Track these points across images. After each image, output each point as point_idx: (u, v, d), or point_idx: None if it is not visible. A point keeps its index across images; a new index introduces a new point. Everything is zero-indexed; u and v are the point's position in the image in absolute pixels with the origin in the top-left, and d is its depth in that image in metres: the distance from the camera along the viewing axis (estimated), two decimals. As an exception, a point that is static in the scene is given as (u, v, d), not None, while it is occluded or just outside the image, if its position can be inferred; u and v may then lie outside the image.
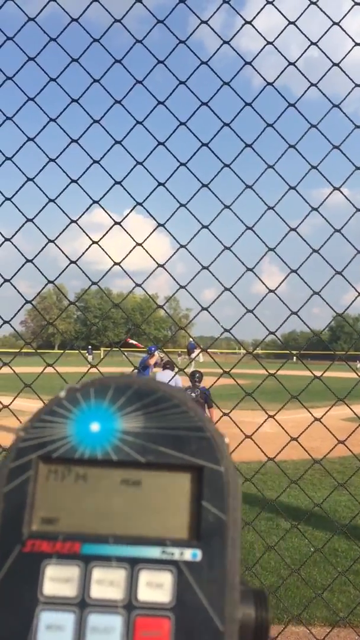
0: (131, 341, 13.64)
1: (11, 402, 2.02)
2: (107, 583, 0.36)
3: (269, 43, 1.76)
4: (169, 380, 5.81)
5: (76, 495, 0.39)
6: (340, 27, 1.80)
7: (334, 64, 1.80)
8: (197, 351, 13.71)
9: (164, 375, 11.14)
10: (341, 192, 1.89)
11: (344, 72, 1.80)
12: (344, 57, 1.82)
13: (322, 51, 1.78)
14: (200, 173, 1.94)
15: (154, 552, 0.37)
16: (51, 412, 0.41)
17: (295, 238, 2.18)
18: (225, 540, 0.38)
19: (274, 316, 2.07)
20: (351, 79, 1.81)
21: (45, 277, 1.82)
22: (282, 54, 1.79)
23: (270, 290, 1.85)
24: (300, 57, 1.80)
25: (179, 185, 2.10)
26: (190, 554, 0.37)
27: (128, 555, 0.37)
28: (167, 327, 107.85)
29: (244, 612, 0.39)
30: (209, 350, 2.67)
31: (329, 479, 7.46)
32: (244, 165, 2.18)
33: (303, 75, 1.78)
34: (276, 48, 1.77)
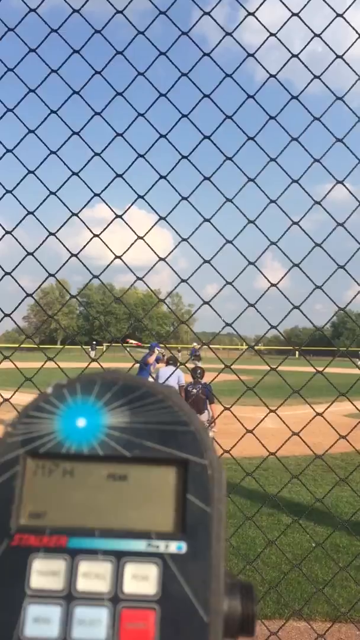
0: (131, 341, 13.66)
1: (12, 396, 2.02)
2: (93, 576, 0.37)
3: (271, 35, 1.75)
4: (170, 376, 5.85)
5: (63, 489, 0.40)
6: (344, 19, 1.78)
7: (338, 56, 1.79)
8: (199, 354, 13.70)
9: (166, 371, 11.17)
10: (344, 185, 1.88)
11: (347, 64, 1.79)
12: (347, 49, 1.81)
13: (325, 42, 1.76)
14: (203, 167, 1.93)
15: (140, 545, 0.38)
16: (38, 407, 0.42)
17: (297, 235, 2.17)
18: (210, 532, 0.38)
19: (276, 312, 2.07)
20: (355, 71, 1.79)
21: (46, 270, 1.81)
22: (284, 46, 1.77)
23: (272, 284, 1.84)
24: (304, 49, 1.78)
25: (181, 180, 2.09)
26: (175, 547, 0.38)
27: (114, 548, 0.38)
28: (169, 323, 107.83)
29: (230, 605, 0.39)
30: (210, 345, 2.66)
31: (331, 474, 7.46)
32: (246, 160, 2.16)
33: (306, 67, 1.76)
34: (279, 39, 1.76)
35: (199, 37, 1.87)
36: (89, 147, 1.80)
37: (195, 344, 13.48)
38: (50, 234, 1.81)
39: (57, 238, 1.84)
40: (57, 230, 1.84)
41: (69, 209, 1.83)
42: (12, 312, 1.83)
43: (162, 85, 1.92)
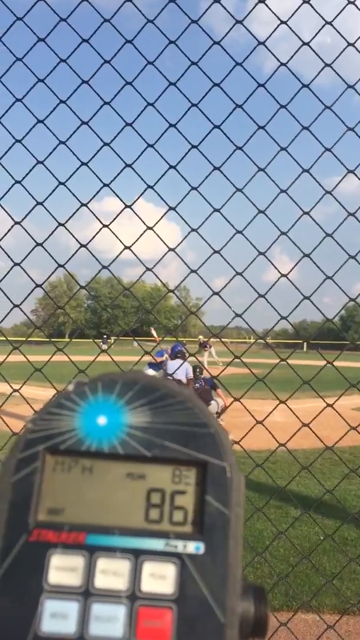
0: (153, 332, 13.72)
1: (21, 387, 2.02)
2: (111, 573, 0.37)
3: (282, 22, 1.72)
4: (178, 368, 5.87)
5: (82, 487, 0.40)
6: (355, 5, 1.75)
7: (349, 44, 1.76)
8: (209, 348, 13.71)
9: (174, 364, 11.24)
10: (355, 175, 1.86)
11: (358, 50, 1.76)
12: (358, 38, 1.78)
13: (336, 30, 1.73)
14: (213, 158, 1.91)
15: (158, 544, 0.38)
16: (59, 405, 0.42)
17: (307, 228, 2.15)
18: (228, 534, 0.39)
19: (285, 306, 2.06)
20: (347, 40, 1.76)
21: (55, 261, 1.81)
22: (295, 33, 1.75)
23: (282, 275, 1.83)
24: (314, 38, 1.76)
25: (191, 172, 2.07)
26: (193, 547, 0.38)
27: (132, 546, 0.38)
28: (177, 316, 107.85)
29: (243, 607, 0.39)
30: (217, 338, 2.65)
31: (339, 468, 7.46)
32: (257, 151, 2.15)
33: (316, 54, 1.74)
34: (289, 27, 1.73)
35: (207, 29, 1.84)
36: (98, 137, 1.79)
37: (200, 336, 13.50)
38: (60, 224, 1.81)
39: (66, 228, 1.83)
40: (67, 221, 1.84)
41: (77, 199, 1.83)
42: (21, 303, 1.83)
43: (172, 75, 1.91)
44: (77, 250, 1.84)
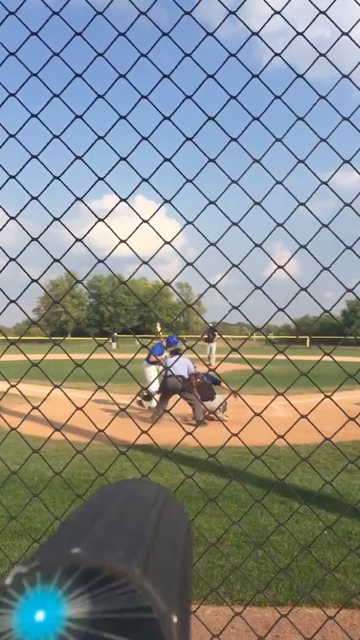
0: (159, 327, 13.77)
1: (18, 382, 2.02)
2: None
3: (276, 12, 1.71)
4: (175, 361, 5.90)
5: None
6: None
7: (343, 33, 1.75)
8: (214, 337, 13.78)
9: (173, 360, 11.35)
10: (350, 164, 1.85)
11: (353, 40, 1.75)
12: (353, 26, 1.76)
13: (330, 18, 1.72)
14: (210, 151, 1.90)
15: None
16: None
17: (309, 224, 2.13)
18: None
19: (285, 301, 2.05)
20: (341, 30, 1.74)
21: (51, 256, 1.80)
22: (288, 22, 1.73)
23: (279, 266, 1.82)
24: (307, 28, 1.74)
25: (190, 166, 2.06)
26: None
27: None
28: (179, 313, 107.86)
29: None
30: (220, 335, 2.65)
31: (342, 462, 7.45)
32: (254, 144, 2.13)
33: (310, 43, 1.73)
34: (282, 17, 1.72)
35: (205, 25, 1.83)
36: (92, 131, 1.78)
37: (211, 324, 13.49)
38: (55, 218, 1.80)
39: (61, 223, 1.82)
40: (62, 215, 1.83)
41: (72, 193, 1.82)
42: (17, 298, 1.82)
43: (167, 69, 1.90)
44: (72, 245, 1.84)
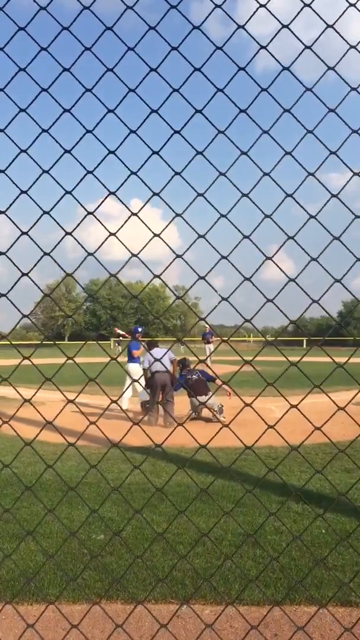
0: (119, 331, 13.93)
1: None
2: None
3: (261, 6, 1.73)
4: (163, 356, 5.94)
5: None
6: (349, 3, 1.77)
7: (328, 26, 1.76)
8: (212, 340, 13.91)
9: (155, 353, 11.56)
10: (337, 156, 1.87)
11: (338, 33, 1.77)
12: (338, 18, 1.79)
13: (315, 12, 1.74)
14: (198, 144, 1.91)
15: None
16: None
17: (307, 228, 2.15)
18: None
19: (283, 304, 2.06)
20: (346, 40, 1.76)
21: (40, 248, 1.81)
22: (272, 14, 1.75)
23: (267, 258, 1.83)
24: (294, 20, 1.76)
25: (174, 164, 2.08)
26: None
27: None
28: (176, 316, 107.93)
29: None
30: (217, 336, 2.67)
31: (340, 462, 7.48)
32: (241, 137, 2.15)
33: (296, 37, 1.75)
34: (267, 9, 1.73)
35: (200, 30, 1.85)
36: (81, 124, 1.80)
37: (207, 325, 13.60)
38: (45, 212, 1.82)
39: (51, 217, 1.83)
40: (51, 209, 1.84)
41: (62, 187, 1.83)
42: (8, 292, 1.83)
43: (161, 67, 1.91)
44: (62, 238, 1.85)
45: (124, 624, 2.17)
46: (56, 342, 2.29)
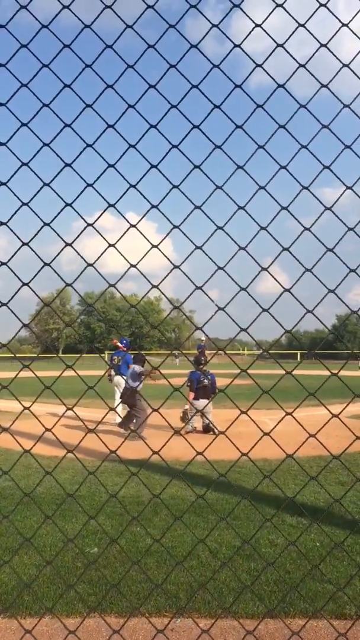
0: (117, 343, 14.00)
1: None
2: None
3: (257, 25, 1.79)
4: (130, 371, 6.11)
5: None
6: (327, 8, 1.83)
7: (322, 45, 1.82)
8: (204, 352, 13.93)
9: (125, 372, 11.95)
10: (330, 170, 1.92)
11: (332, 52, 1.83)
12: (331, 38, 1.85)
13: (308, 30, 1.80)
14: (195, 158, 1.95)
15: None
16: None
17: (304, 241, 2.19)
18: None
19: (278, 316, 2.09)
20: (339, 60, 1.82)
21: (40, 259, 1.84)
22: (270, 36, 1.81)
23: (263, 269, 1.87)
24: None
25: (172, 177, 2.11)
26: None
27: None
28: (170, 329, 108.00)
29: None
30: (212, 350, 2.70)
31: (334, 475, 7.49)
32: (234, 156, 2.19)
33: (292, 57, 1.81)
34: (262, 29, 1.79)
35: (194, 43, 1.90)
36: (81, 139, 1.84)
37: (202, 338, 13.65)
38: (45, 224, 1.85)
39: (52, 228, 1.87)
40: (52, 221, 1.87)
41: (62, 199, 1.86)
42: (8, 301, 1.86)
43: (160, 86, 1.96)
44: (62, 250, 1.88)
45: (117, 636, 2.16)
46: (58, 355, 2.31)
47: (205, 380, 11.90)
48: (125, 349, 13.49)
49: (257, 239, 2.01)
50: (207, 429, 11.63)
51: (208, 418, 11.24)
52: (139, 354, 12.67)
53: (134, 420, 11.44)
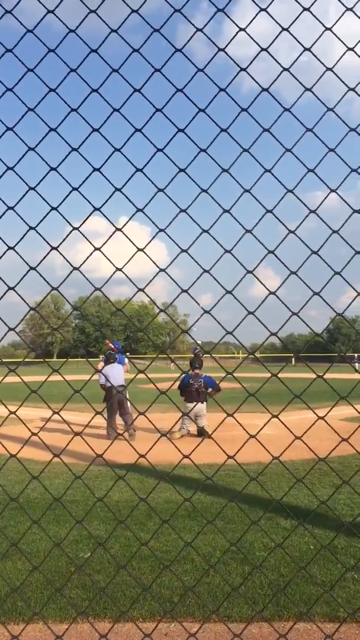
0: (110, 344, 14.01)
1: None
2: None
3: (241, 29, 1.80)
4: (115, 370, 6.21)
5: None
6: (311, 12, 1.84)
7: (306, 49, 1.83)
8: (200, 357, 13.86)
9: (109, 368, 12.14)
10: (315, 174, 1.93)
11: (315, 56, 1.84)
12: (314, 43, 1.86)
13: (292, 34, 1.82)
14: (179, 161, 1.96)
15: None
16: None
17: (289, 242, 2.20)
18: None
19: (272, 321, 2.10)
20: (323, 63, 1.84)
21: (27, 264, 1.84)
22: (254, 40, 1.82)
23: (248, 272, 1.87)
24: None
25: (158, 181, 2.12)
26: None
27: None
28: (165, 333, 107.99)
29: None
30: (207, 354, 2.70)
31: (328, 478, 7.49)
32: (220, 160, 2.20)
33: (276, 61, 1.82)
34: (247, 33, 1.80)
35: (187, 52, 1.91)
36: (67, 143, 1.84)
37: (197, 347, 13.67)
38: (31, 228, 1.85)
39: (37, 232, 1.86)
40: (38, 225, 1.87)
41: (48, 203, 1.87)
42: None
43: (148, 93, 1.97)
44: (48, 253, 1.88)
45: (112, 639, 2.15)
46: (45, 360, 2.30)
47: (196, 384, 11.86)
48: (116, 350, 13.57)
49: (251, 243, 2.01)
50: (200, 432, 11.61)
51: (200, 421, 11.22)
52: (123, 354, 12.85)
53: (124, 423, 11.61)
